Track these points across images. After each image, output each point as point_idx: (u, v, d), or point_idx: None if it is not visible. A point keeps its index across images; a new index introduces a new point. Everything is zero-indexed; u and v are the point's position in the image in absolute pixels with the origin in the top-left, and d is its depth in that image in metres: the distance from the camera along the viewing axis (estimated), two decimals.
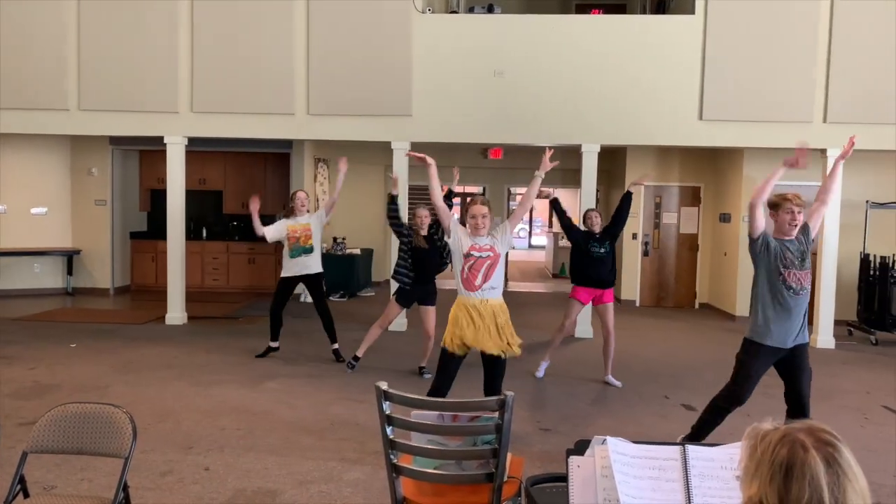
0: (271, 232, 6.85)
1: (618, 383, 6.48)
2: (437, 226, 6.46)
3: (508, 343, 4.20)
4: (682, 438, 4.42)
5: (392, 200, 6.40)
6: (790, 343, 4.12)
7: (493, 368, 4.29)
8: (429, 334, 6.57)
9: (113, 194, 11.22)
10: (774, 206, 4.13)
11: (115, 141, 10.85)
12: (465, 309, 4.17)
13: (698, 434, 4.38)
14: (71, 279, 11.10)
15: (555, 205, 6.70)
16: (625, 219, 6.53)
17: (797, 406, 4.18)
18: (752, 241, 4.20)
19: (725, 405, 4.34)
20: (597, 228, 6.48)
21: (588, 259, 6.41)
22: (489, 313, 4.16)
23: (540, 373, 6.72)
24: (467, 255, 4.15)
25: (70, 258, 11.06)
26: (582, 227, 6.58)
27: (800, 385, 4.18)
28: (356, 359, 6.69)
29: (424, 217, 6.51)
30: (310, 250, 6.92)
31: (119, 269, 11.46)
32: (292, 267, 6.93)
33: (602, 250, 6.41)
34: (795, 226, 4.09)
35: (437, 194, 4.37)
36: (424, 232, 6.50)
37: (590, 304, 6.75)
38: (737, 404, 4.29)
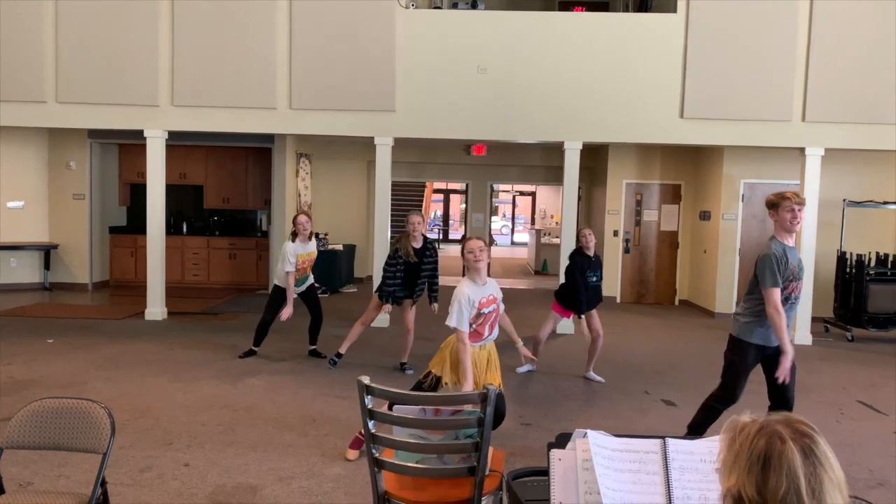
0: (290, 267, 6.65)
1: (600, 379, 6.52)
2: (431, 245, 6.48)
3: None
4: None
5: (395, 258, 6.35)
6: (775, 342, 4.15)
7: None
8: (408, 328, 6.57)
9: (91, 188, 11.08)
10: (773, 205, 4.09)
11: (94, 134, 10.72)
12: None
13: (696, 434, 4.39)
14: (48, 274, 10.95)
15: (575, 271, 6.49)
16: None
17: (782, 404, 4.22)
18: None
19: (720, 405, 4.36)
20: (591, 248, 6.48)
21: (583, 289, 6.42)
22: (485, 358, 4.15)
23: (523, 369, 6.75)
24: (478, 315, 4.01)
25: (47, 253, 10.91)
26: (574, 244, 6.55)
27: (784, 384, 4.22)
28: (339, 356, 6.67)
29: (417, 224, 6.41)
30: (308, 277, 6.98)
31: (98, 264, 11.32)
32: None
33: (594, 278, 6.48)
34: (797, 223, 4.05)
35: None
36: (418, 244, 6.38)
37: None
38: (731, 403, 4.32)
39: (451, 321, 3.95)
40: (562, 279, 6.87)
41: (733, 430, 1.27)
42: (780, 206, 4.05)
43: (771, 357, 4.19)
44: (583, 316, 6.53)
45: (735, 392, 4.28)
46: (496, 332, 4.20)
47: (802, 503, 1.16)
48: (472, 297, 3.98)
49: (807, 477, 1.16)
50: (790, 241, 4.10)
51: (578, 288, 6.35)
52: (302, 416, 5.24)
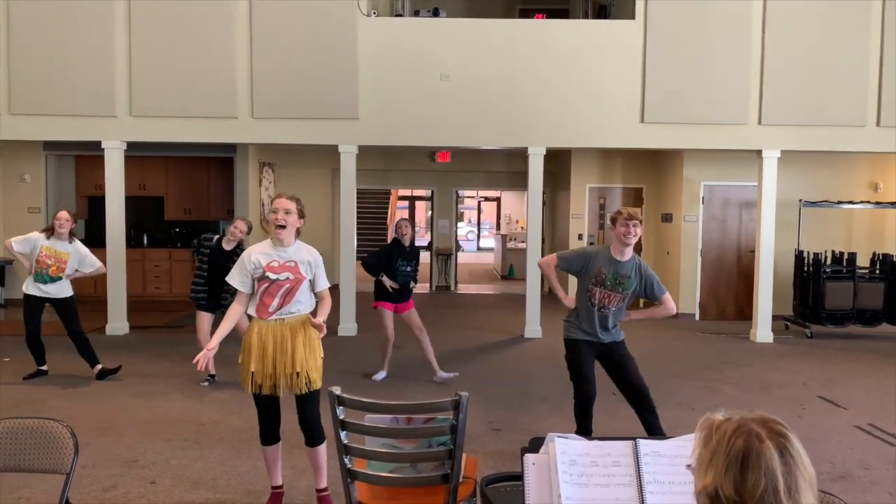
0: (16, 245, 6.30)
1: (450, 375, 6.54)
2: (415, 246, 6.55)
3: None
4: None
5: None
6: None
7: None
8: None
9: (47, 201, 10.81)
10: (612, 220, 4.41)
11: (49, 146, 10.46)
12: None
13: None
14: (3, 291, 10.63)
15: None
16: None
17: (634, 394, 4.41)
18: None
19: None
20: (407, 239, 6.49)
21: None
22: (279, 334, 3.66)
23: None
24: (263, 278, 3.62)
25: (2, 269, 10.60)
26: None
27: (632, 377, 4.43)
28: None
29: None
30: (56, 279, 6.48)
31: None
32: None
33: (408, 268, 6.50)
34: (631, 237, 4.29)
35: None
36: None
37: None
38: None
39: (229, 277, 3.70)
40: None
41: (708, 428, 1.28)
42: (617, 221, 4.36)
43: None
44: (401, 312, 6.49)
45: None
46: (300, 307, 3.64)
47: (780, 502, 1.18)
48: (257, 258, 3.59)
49: (783, 475, 1.19)
50: (621, 256, 4.38)
51: (372, 269, 6.35)
52: None
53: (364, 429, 2.69)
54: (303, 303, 3.66)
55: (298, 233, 3.76)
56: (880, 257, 9.23)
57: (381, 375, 6.61)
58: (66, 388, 6.15)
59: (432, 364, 6.58)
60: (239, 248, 6.16)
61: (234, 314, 3.67)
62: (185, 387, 6.27)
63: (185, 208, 11.69)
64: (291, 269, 3.61)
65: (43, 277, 6.27)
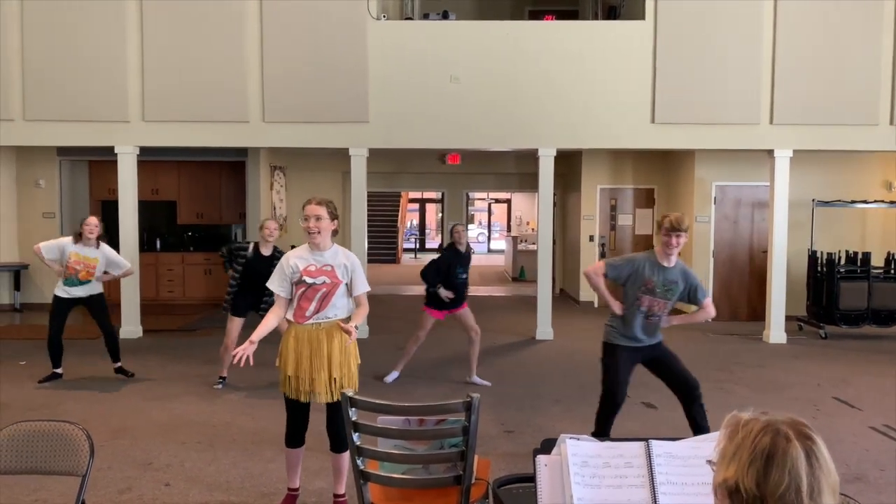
0: (45, 252, 6.41)
1: (485, 382, 6.52)
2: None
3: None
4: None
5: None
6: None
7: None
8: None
9: (62, 206, 10.91)
10: (658, 225, 4.31)
11: (64, 151, 10.56)
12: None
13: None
14: (19, 295, 10.74)
15: None
16: None
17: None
18: None
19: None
20: (464, 244, 6.46)
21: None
22: (315, 339, 3.68)
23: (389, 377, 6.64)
24: (300, 282, 3.64)
25: (17, 273, 10.71)
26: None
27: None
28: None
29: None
30: (87, 282, 6.59)
31: None
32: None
33: (464, 275, 6.45)
34: (672, 248, 4.17)
35: None
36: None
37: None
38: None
39: (270, 283, 3.70)
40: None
41: (735, 424, 1.28)
42: (662, 227, 4.23)
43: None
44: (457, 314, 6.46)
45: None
46: (337, 311, 3.63)
47: (801, 501, 1.18)
48: (295, 263, 3.61)
49: (808, 477, 1.19)
50: (667, 262, 4.24)
51: (430, 281, 6.25)
52: (281, 430, 5.15)
53: (377, 430, 2.71)
54: (340, 307, 3.65)
55: (335, 233, 3.73)
56: (895, 257, 9.15)
57: (393, 376, 6.62)
58: (80, 392, 6.20)
59: (471, 365, 6.59)
60: (278, 252, 6.18)
61: (274, 316, 3.67)
62: (198, 389, 6.31)
63: (197, 212, 11.76)
64: (328, 274, 3.61)
65: (72, 282, 6.40)
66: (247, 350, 3.49)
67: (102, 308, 6.61)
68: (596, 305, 11.51)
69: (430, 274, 6.29)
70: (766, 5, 8.47)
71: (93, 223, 6.37)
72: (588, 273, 4.44)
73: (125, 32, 8.44)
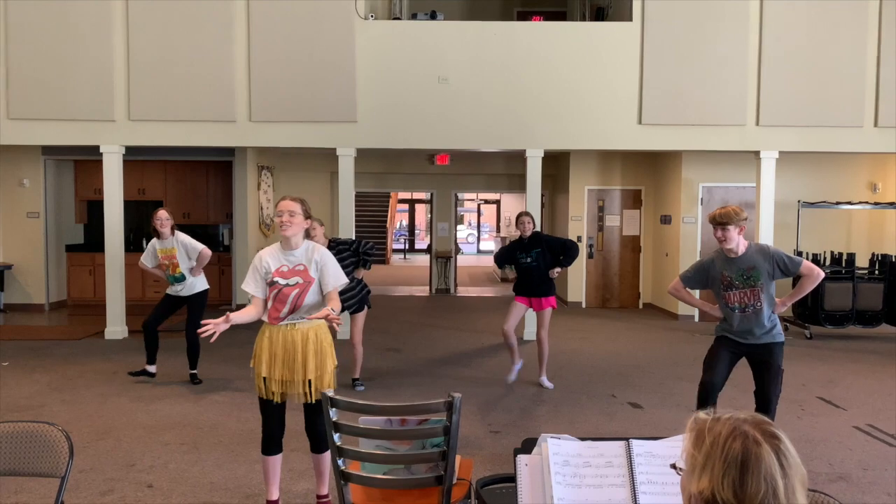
0: (146, 260, 6.61)
1: (549, 385, 6.53)
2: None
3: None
4: None
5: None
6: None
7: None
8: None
9: (46, 206, 10.81)
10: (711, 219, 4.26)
11: (49, 151, 10.47)
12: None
13: None
14: (2, 295, 10.64)
15: None
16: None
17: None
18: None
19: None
20: (527, 233, 6.53)
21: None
22: (290, 340, 3.62)
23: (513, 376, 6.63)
24: (271, 283, 3.59)
25: (1, 274, 10.60)
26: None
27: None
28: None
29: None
30: (178, 276, 6.70)
31: (54, 284, 11.04)
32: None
33: (528, 259, 6.46)
34: (723, 242, 4.15)
35: None
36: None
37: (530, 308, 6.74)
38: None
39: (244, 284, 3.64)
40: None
41: (699, 430, 1.25)
42: (712, 224, 4.20)
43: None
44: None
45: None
46: (311, 311, 3.56)
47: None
48: (268, 262, 3.56)
49: (782, 479, 1.17)
50: (735, 252, 4.18)
51: (498, 263, 6.91)
52: None
53: (358, 431, 2.69)
54: (314, 306, 3.60)
55: (307, 234, 3.69)
56: (879, 258, 9.22)
57: (516, 368, 6.56)
58: (65, 393, 6.14)
59: (541, 367, 6.57)
60: (336, 244, 6.11)
61: (255, 310, 3.60)
62: (182, 390, 6.27)
63: (184, 212, 11.69)
64: (300, 273, 3.56)
65: (171, 278, 6.51)
66: (219, 325, 3.34)
67: (196, 309, 6.55)
68: (584, 305, 11.53)
69: (497, 256, 6.89)
70: (752, 6, 8.52)
71: (163, 216, 6.42)
72: (671, 292, 4.46)
73: (111, 30, 8.38)
